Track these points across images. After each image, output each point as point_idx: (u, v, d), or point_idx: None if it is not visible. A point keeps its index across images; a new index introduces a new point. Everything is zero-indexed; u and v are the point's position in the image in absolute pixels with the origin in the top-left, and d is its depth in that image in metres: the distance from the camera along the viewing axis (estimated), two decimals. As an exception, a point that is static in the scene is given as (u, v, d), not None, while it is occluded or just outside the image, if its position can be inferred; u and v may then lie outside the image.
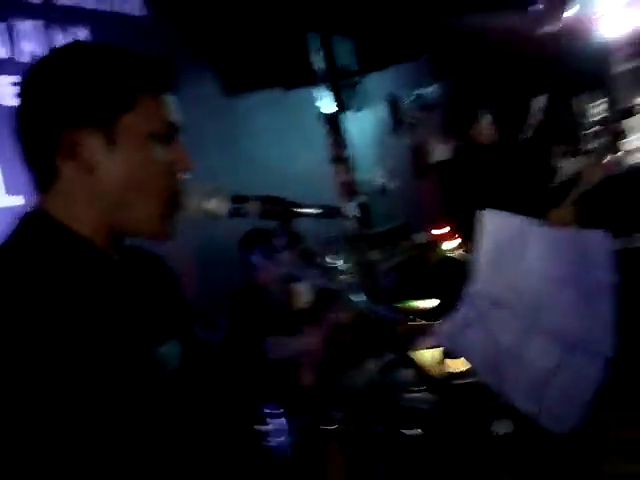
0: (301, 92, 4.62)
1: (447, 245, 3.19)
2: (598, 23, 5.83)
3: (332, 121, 4.84)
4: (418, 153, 5.98)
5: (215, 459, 0.98)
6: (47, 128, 0.92)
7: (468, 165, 3.84)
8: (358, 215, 4.76)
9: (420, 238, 4.51)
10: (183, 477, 0.89)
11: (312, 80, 4.71)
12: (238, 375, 1.31)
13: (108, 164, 0.93)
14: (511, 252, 1.29)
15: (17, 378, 0.76)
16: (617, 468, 2.64)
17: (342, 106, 4.87)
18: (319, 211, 1.00)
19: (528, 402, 1.02)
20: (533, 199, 3.64)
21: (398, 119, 5.72)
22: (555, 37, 5.50)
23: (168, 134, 0.97)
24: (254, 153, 4.06)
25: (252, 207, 0.99)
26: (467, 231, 3.18)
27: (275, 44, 4.32)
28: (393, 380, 2.41)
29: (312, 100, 4.76)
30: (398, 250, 4.43)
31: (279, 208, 1.00)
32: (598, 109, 6.53)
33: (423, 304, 3.44)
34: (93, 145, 0.92)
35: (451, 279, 3.68)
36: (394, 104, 5.67)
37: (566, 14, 5.25)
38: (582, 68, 6.50)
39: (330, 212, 1.00)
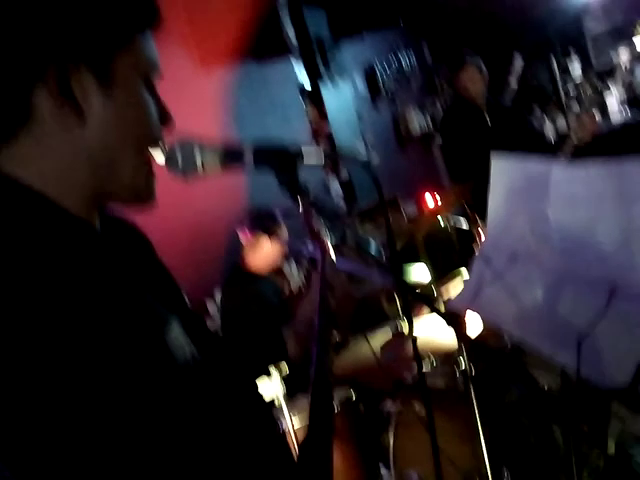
0: (277, 65, 4.47)
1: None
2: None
3: (310, 94, 4.70)
4: (399, 124, 5.86)
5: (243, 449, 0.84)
6: (32, 53, 0.71)
7: (462, 125, 3.72)
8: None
9: (409, 209, 4.41)
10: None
11: (286, 52, 4.55)
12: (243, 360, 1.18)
13: (99, 111, 0.75)
14: (529, 198, 1.18)
15: (18, 381, 0.61)
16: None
17: (317, 77, 4.72)
18: (322, 161, 0.88)
19: (567, 354, 0.91)
20: (526, 151, 3.56)
21: (376, 90, 5.58)
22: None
23: (153, 81, 0.84)
24: (232, 127, 3.92)
25: (247, 155, 0.87)
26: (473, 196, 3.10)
27: (246, 16, 4.16)
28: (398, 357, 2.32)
29: (290, 74, 4.61)
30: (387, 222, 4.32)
31: (273, 153, 0.88)
32: (577, 70, 6.47)
33: (416, 271, 3.35)
34: (87, 87, 0.74)
35: (444, 248, 3.60)
36: (371, 76, 5.54)
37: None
38: (558, 30, 6.42)
39: (334, 156, 0.88)
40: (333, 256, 1.18)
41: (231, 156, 0.87)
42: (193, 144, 0.88)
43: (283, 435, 1.09)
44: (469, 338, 1.64)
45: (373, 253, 3.02)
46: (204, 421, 0.75)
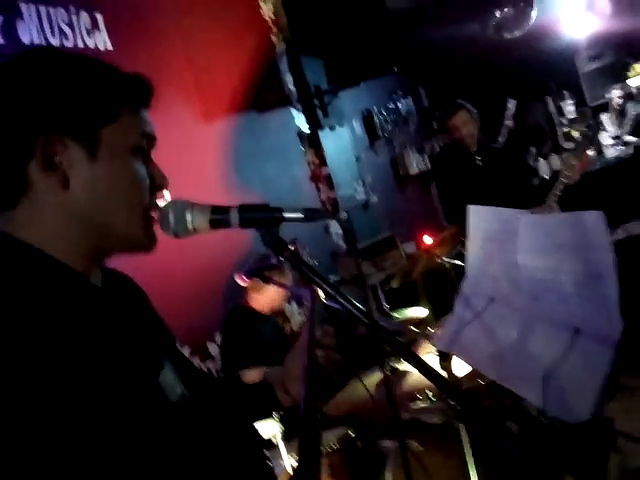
0: (277, 114, 4.63)
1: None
2: (560, 26, 5.95)
3: (310, 140, 4.85)
4: (396, 165, 6.00)
5: None
6: (21, 132, 0.82)
7: (453, 165, 3.84)
8: (347, 227, 4.74)
9: (409, 248, 4.50)
10: None
11: (286, 101, 4.72)
12: (237, 401, 1.25)
13: (86, 179, 0.85)
14: (502, 244, 1.27)
15: (17, 421, 0.68)
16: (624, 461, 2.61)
17: (317, 125, 4.88)
18: (301, 215, 0.96)
19: (537, 393, 0.98)
20: (515, 199, 3.66)
21: (373, 133, 5.75)
22: (521, 42, 5.59)
23: (146, 149, 0.93)
24: (234, 176, 4.04)
25: (232, 217, 0.95)
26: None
27: (246, 70, 4.33)
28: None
29: (289, 121, 4.77)
30: (387, 262, 4.41)
31: (259, 215, 0.96)
32: (570, 108, 6.63)
33: (415, 313, 3.42)
34: (73, 157, 0.84)
35: (442, 287, 3.66)
36: (368, 119, 5.71)
37: (529, 19, 5.34)
38: (550, 70, 6.62)
39: (312, 214, 0.96)
40: (322, 303, 1.25)
41: (219, 216, 0.96)
42: (184, 205, 0.96)
43: (272, 472, 1.15)
44: (446, 382, 1.69)
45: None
46: (189, 452, 0.83)
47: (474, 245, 1.39)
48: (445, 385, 0.90)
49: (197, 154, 3.72)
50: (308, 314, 1.22)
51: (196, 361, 3.19)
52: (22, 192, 0.85)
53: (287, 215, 0.96)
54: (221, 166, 3.98)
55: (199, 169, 3.69)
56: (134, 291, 1.05)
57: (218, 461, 0.93)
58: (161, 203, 0.97)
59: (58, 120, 0.84)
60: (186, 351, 3.10)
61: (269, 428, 2.02)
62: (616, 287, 0.93)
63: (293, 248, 0.97)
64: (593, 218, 0.96)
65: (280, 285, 2.77)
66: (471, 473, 1.83)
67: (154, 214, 0.95)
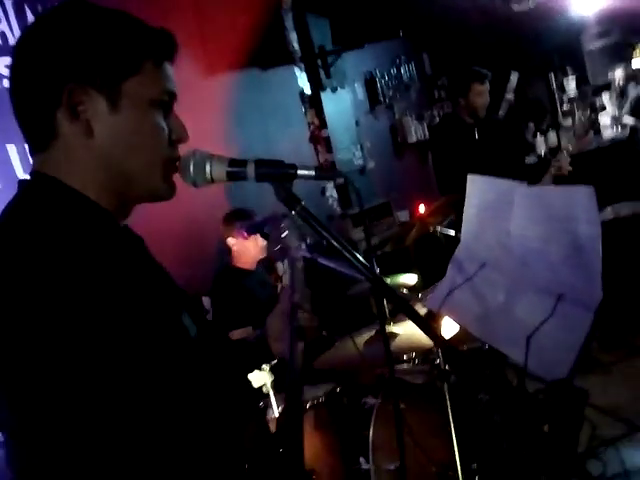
0: (280, 72, 4.62)
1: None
2: (568, 2, 5.91)
3: (311, 101, 4.85)
4: (395, 132, 6.02)
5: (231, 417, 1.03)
6: (50, 82, 0.88)
7: (452, 137, 3.86)
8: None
9: (403, 216, 4.57)
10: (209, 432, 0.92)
11: (289, 60, 4.70)
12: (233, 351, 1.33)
13: (109, 128, 0.91)
14: (497, 213, 1.33)
15: (52, 342, 0.74)
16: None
17: (319, 85, 4.88)
18: (313, 173, 1.02)
19: (519, 352, 1.07)
20: (510, 176, 3.71)
21: (375, 98, 5.74)
22: (528, 16, 5.56)
23: (167, 102, 0.98)
24: (236, 133, 4.06)
25: (249, 170, 1.01)
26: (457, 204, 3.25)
27: (251, 26, 4.30)
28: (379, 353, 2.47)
29: (291, 80, 4.76)
30: (381, 228, 4.48)
31: (274, 170, 1.02)
32: (572, 86, 6.63)
33: (405, 279, 3.50)
34: (96, 107, 0.90)
35: (434, 255, 3.74)
36: (370, 84, 5.69)
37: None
38: (555, 46, 6.60)
39: (324, 173, 1.02)
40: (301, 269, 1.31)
41: (236, 168, 1.01)
42: (204, 155, 1.01)
43: (262, 410, 1.25)
44: (443, 339, 1.78)
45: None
46: (202, 379, 0.94)
47: (470, 213, 1.46)
48: (440, 342, 0.98)
49: (200, 107, 3.72)
50: (288, 279, 1.27)
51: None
52: (52, 137, 0.91)
53: (300, 172, 1.01)
54: (223, 121, 4.00)
55: (201, 123, 3.69)
56: (136, 240, 1.10)
57: (220, 390, 1.03)
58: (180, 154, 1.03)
59: (83, 71, 0.89)
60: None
61: (260, 378, 2.11)
62: (599, 258, 1.00)
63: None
64: (583, 192, 1.02)
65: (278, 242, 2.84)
66: (452, 431, 1.94)
67: (173, 164, 1.01)
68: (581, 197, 1.02)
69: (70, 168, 0.92)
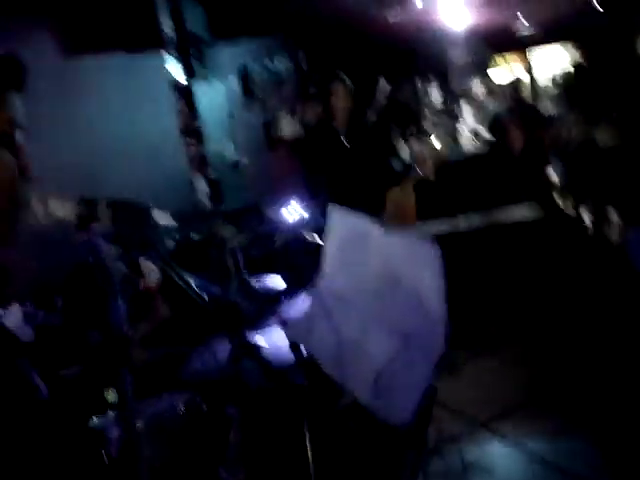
0: (149, 58, 4.41)
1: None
2: (438, 15, 6.23)
3: (183, 90, 4.69)
4: (269, 127, 6.01)
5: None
6: None
7: (320, 142, 3.94)
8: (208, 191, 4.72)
9: (272, 213, 4.57)
10: None
11: (160, 45, 4.50)
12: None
13: None
14: (354, 251, 1.38)
15: None
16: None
17: (192, 74, 4.72)
18: (171, 222, 0.99)
19: (366, 393, 1.12)
20: (377, 181, 3.87)
21: (249, 92, 5.68)
22: (402, 25, 5.78)
23: (13, 135, 0.90)
24: (100, 120, 3.82)
25: (102, 213, 0.96)
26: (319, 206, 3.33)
27: (121, 4, 4.06)
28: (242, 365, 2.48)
29: (161, 67, 4.56)
30: (249, 228, 4.47)
31: (130, 216, 0.97)
32: (436, 94, 7.01)
33: (272, 282, 3.53)
34: None
35: (298, 257, 3.80)
36: (245, 76, 5.62)
37: (413, 5, 5.54)
38: (422, 53, 6.93)
39: (183, 218, 1.00)
40: None
41: (86, 209, 0.95)
42: (47, 195, 0.94)
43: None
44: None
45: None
46: None
47: (331, 245, 1.49)
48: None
49: (61, 91, 3.47)
50: None
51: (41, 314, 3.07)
52: None
53: (156, 219, 0.98)
54: (87, 106, 3.75)
55: (63, 107, 3.44)
56: None
57: None
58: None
59: None
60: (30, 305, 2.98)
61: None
62: (442, 307, 1.08)
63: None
64: (428, 245, 1.09)
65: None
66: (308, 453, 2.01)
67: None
68: (427, 252, 1.09)
69: None
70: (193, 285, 0.96)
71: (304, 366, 2.38)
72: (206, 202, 4.70)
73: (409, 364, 1.12)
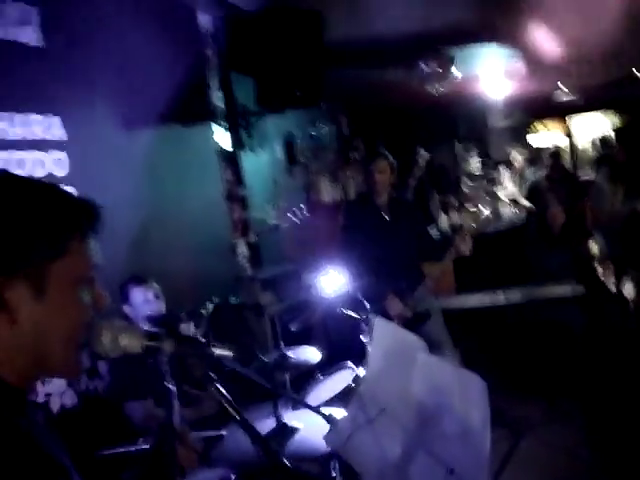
0: (199, 129, 4.61)
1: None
2: (479, 86, 6.37)
3: (229, 159, 4.87)
4: (310, 191, 6.15)
5: None
6: None
7: (360, 215, 4.02)
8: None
9: (311, 281, 4.63)
10: None
11: (210, 117, 4.72)
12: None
13: (33, 316, 0.90)
14: (399, 365, 1.42)
15: None
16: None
17: (239, 145, 4.92)
18: (232, 354, 1.05)
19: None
20: (417, 254, 3.91)
21: (293, 158, 5.86)
22: (443, 94, 5.92)
23: (92, 276, 0.97)
24: (152, 189, 4.00)
25: (166, 345, 1.03)
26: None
27: (174, 80, 4.28)
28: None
29: (210, 137, 4.77)
30: (287, 295, 4.53)
31: (193, 350, 1.04)
32: (475, 161, 7.10)
33: (307, 354, 3.55)
34: (20, 297, 0.88)
35: (334, 330, 3.82)
36: (289, 144, 5.81)
37: (451, 75, 5.69)
38: (461, 121, 7.07)
39: (243, 358, 1.06)
40: None
41: (153, 343, 1.02)
42: (119, 327, 1.02)
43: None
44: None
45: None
46: None
47: (376, 353, 1.53)
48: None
49: (115, 162, 3.65)
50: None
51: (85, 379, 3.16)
52: None
53: (218, 353, 1.04)
54: (138, 178, 3.93)
55: (116, 178, 3.62)
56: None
57: None
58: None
59: (8, 263, 0.88)
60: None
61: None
62: (488, 443, 1.10)
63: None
64: (477, 382, 1.12)
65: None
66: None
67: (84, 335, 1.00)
68: (476, 385, 1.12)
69: None
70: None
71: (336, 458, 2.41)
72: (246, 266, 4.80)
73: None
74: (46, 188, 0.95)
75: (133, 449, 2.08)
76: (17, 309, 0.89)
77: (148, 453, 1.29)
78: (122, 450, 2.11)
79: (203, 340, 1.04)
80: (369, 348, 1.57)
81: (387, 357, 1.50)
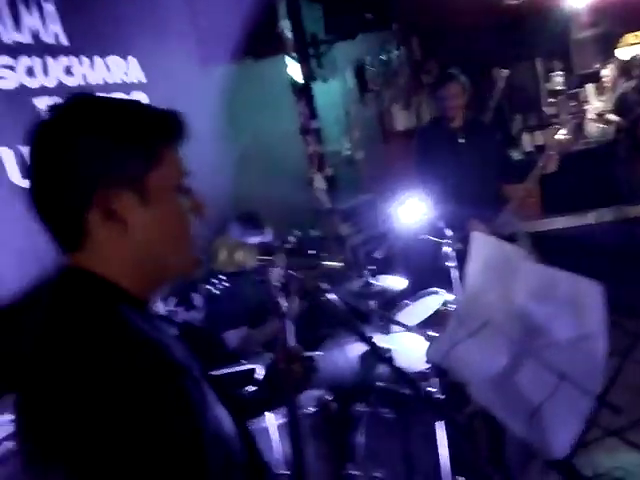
0: (271, 62, 4.57)
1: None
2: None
3: (301, 91, 4.83)
4: (383, 120, 6.03)
5: None
6: (79, 190, 0.92)
7: (434, 145, 3.90)
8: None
9: (389, 210, 4.60)
10: None
11: (282, 49, 4.65)
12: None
13: (142, 222, 0.95)
14: (500, 277, 1.40)
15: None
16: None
17: (311, 76, 4.85)
18: (340, 264, 1.07)
19: (522, 427, 1.14)
20: (496, 177, 3.78)
21: (364, 86, 5.72)
22: (518, 7, 5.56)
23: (187, 183, 1.01)
24: (228, 125, 4.04)
25: (278, 260, 1.06)
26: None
27: (244, 14, 4.23)
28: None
29: (283, 70, 4.72)
30: (368, 224, 4.54)
31: (303, 262, 1.07)
32: (558, 77, 6.67)
33: (393, 282, 3.57)
34: (127, 205, 0.93)
35: (417, 259, 3.79)
36: (360, 71, 5.66)
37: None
38: (542, 34, 6.61)
39: (349, 266, 1.08)
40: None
41: (266, 258, 1.06)
42: (236, 244, 1.06)
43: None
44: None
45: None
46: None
47: (474, 269, 1.51)
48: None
49: (193, 101, 3.69)
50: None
51: (181, 310, 3.33)
52: (84, 237, 0.95)
53: (326, 264, 1.07)
54: (215, 114, 3.97)
55: (194, 116, 3.67)
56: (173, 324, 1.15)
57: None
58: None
59: (110, 174, 0.92)
60: (172, 302, 3.23)
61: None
62: (604, 348, 1.08)
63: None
64: (592, 287, 1.09)
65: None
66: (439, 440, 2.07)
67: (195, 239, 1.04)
68: (591, 291, 1.09)
69: (106, 263, 0.96)
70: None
71: (437, 374, 2.45)
72: (324, 199, 4.82)
73: (567, 402, 1.14)
74: (132, 103, 0.99)
75: (238, 369, 2.19)
76: (127, 218, 0.94)
77: (252, 373, 1.35)
78: (227, 371, 2.23)
79: (314, 252, 1.06)
80: (457, 271, 1.56)
81: (487, 271, 1.48)
